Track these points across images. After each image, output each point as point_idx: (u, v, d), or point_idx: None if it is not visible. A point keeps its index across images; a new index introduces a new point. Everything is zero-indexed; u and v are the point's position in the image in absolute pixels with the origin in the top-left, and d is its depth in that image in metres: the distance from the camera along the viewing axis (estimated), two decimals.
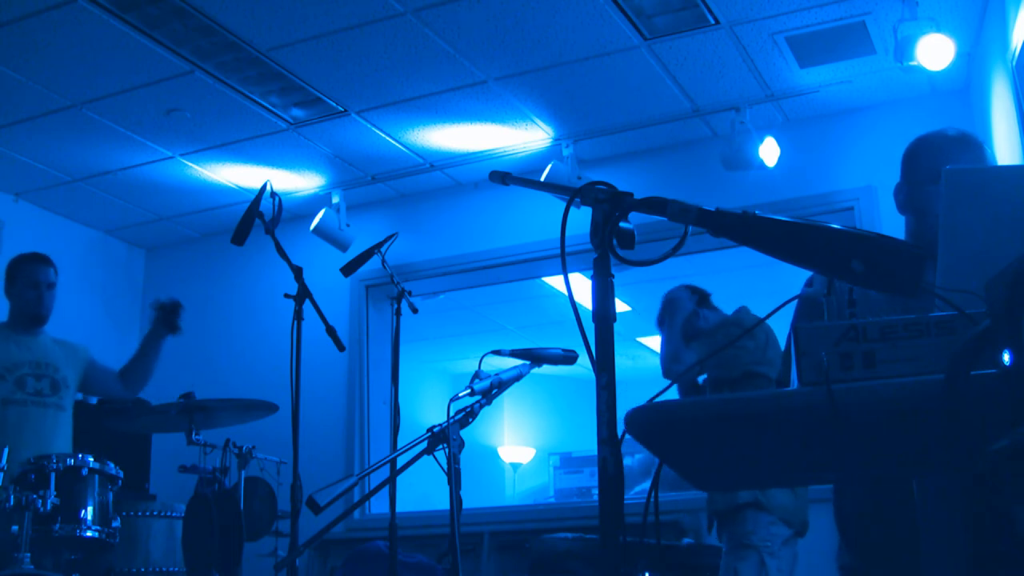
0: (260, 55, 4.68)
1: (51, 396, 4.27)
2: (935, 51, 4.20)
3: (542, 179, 5.14)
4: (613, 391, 1.35)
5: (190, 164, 5.80)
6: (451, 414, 2.84)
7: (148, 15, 4.32)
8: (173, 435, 4.12)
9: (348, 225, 6.09)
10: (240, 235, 3.66)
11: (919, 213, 2.26)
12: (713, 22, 4.46)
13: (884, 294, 1.32)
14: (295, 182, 6.08)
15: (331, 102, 5.15)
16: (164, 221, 6.65)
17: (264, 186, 3.71)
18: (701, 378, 3.71)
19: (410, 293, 4.00)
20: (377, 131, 5.48)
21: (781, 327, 1.51)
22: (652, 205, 1.41)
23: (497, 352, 3.08)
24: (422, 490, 4.64)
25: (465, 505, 2.88)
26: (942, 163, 2.21)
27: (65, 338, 4.46)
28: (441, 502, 3.09)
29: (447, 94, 5.08)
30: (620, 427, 1.35)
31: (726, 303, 4.10)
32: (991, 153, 2.27)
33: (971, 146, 2.26)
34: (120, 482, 3.84)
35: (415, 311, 4.01)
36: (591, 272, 1.42)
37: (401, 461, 2.86)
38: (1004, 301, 1.12)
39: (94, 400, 5.26)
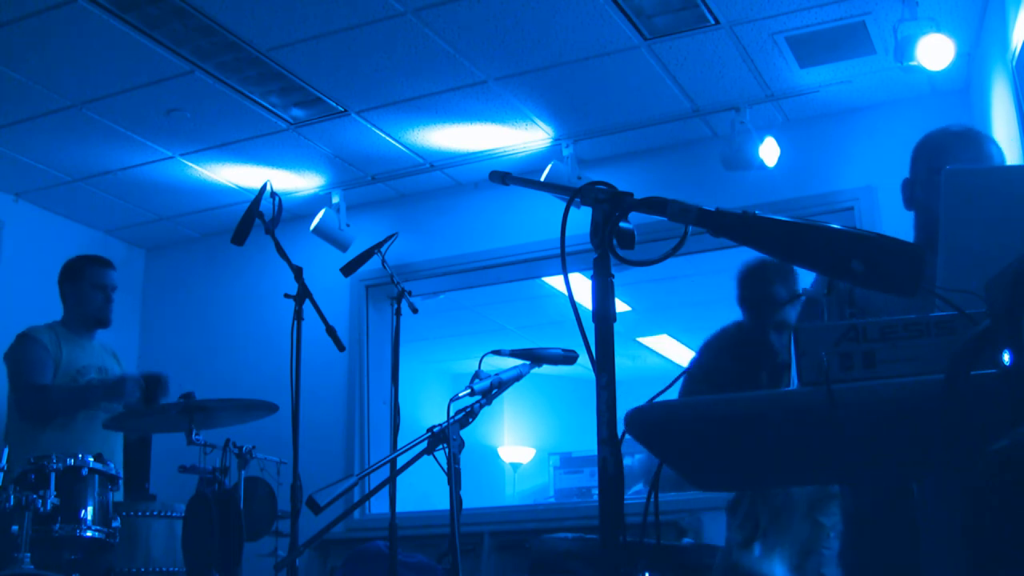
0: (260, 55, 4.68)
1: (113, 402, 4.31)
2: (935, 51, 4.20)
3: (542, 179, 5.14)
4: (613, 391, 1.35)
5: (190, 164, 5.80)
6: (451, 414, 2.84)
7: (148, 15, 4.32)
8: (173, 435, 4.12)
9: (348, 225, 6.09)
10: (240, 235, 3.66)
11: (921, 208, 2.28)
12: (713, 22, 4.46)
13: (884, 294, 1.32)
14: (295, 182, 6.08)
15: (331, 102, 5.15)
16: (164, 221, 6.65)
17: (264, 186, 3.71)
18: None
19: (410, 293, 4.00)
20: (377, 131, 5.48)
21: None
22: (652, 205, 1.41)
23: (497, 352, 3.08)
24: (422, 490, 4.64)
25: (465, 505, 2.88)
26: (941, 159, 2.24)
27: (104, 341, 4.48)
28: (441, 502, 3.09)
29: (447, 94, 5.08)
30: (620, 427, 1.35)
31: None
32: (996, 147, 2.27)
33: (972, 141, 2.27)
34: (120, 482, 3.84)
35: (415, 311, 4.01)
36: (591, 272, 1.42)
37: (401, 461, 2.86)
38: (1004, 301, 1.12)
39: None
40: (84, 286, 4.29)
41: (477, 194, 6.17)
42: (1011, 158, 4.09)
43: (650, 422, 1.35)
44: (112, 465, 3.79)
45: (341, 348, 3.62)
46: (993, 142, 2.29)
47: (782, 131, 5.31)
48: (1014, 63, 3.84)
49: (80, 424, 4.15)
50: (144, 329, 6.94)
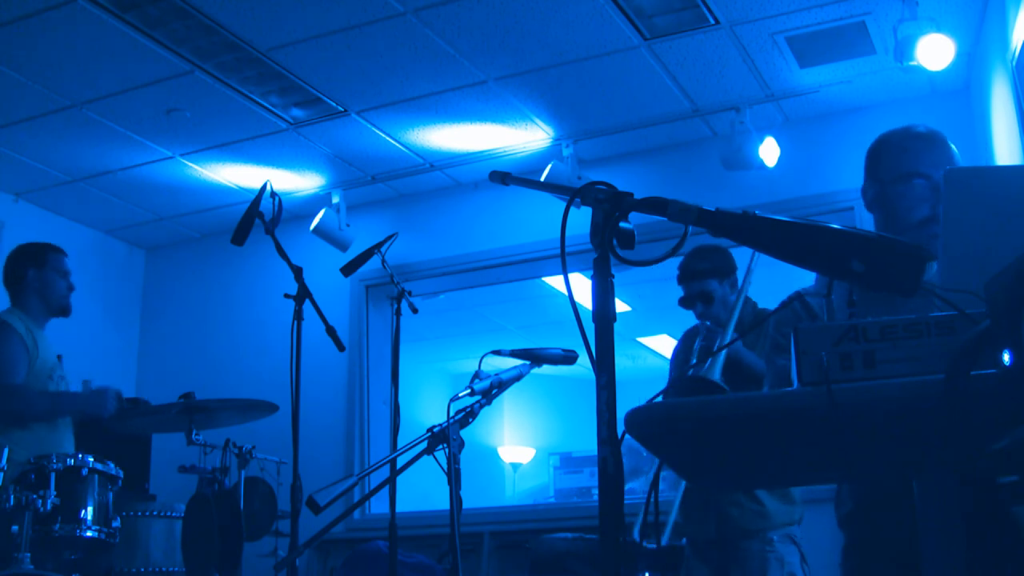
0: (260, 55, 4.68)
1: None
2: (935, 51, 4.20)
3: (542, 179, 5.14)
4: (613, 391, 1.35)
5: (190, 164, 5.80)
6: (451, 414, 2.84)
7: (148, 15, 4.32)
8: (173, 435, 4.12)
9: (348, 225, 6.09)
10: (240, 235, 3.66)
11: (887, 212, 2.26)
12: (713, 22, 4.46)
13: (882, 293, 1.32)
14: (295, 182, 6.08)
15: (331, 102, 5.15)
16: (164, 221, 6.65)
17: (264, 186, 3.71)
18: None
19: (410, 293, 4.01)
20: (377, 131, 5.48)
21: None
22: (652, 205, 1.41)
23: (497, 352, 3.08)
24: (422, 490, 4.64)
25: (465, 505, 2.88)
26: (907, 161, 2.22)
27: None
28: (441, 502, 3.09)
29: (447, 94, 5.08)
30: (620, 427, 1.35)
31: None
32: (958, 152, 2.26)
33: (936, 144, 2.25)
34: (120, 482, 3.84)
35: (415, 311, 4.01)
36: (591, 272, 1.42)
37: (401, 461, 2.86)
38: (1004, 301, 1.12)
39: None
40: (49, 273, 4.07)
41: (477, 194, 6.17)
42: (1011, 158, 4.09)
43: (650, 422, 1.35)
44: (112, 465, 3.78)
45: (341, 348, 3.62)
46: (951, 145, 2.28)
47: (782, 131, 5.31)
48: (1014, 63, 3.84)
49: (60, 421, 4.02)
50: (144, 329, 6.94)
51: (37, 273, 4.05)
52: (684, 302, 3.91)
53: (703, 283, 3.83)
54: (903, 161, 2.24)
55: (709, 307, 3.84)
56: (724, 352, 3.25)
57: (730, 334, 3.54)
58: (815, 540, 3.69)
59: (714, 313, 3.84)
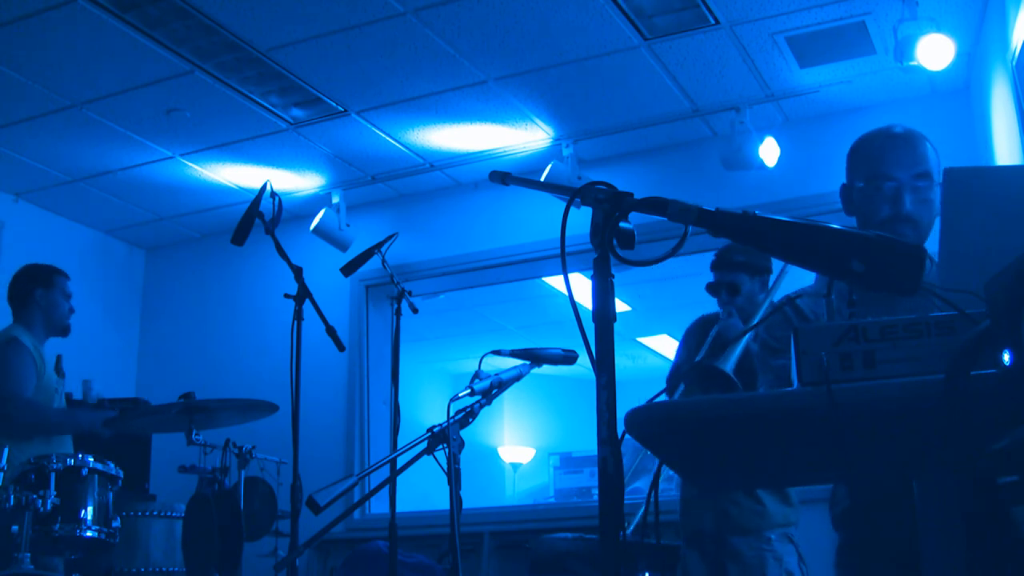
0: (260, 55, 4.68)
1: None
2: (935, 51, 4.20)
3: (542, 179, 5.14)
4: (613, 391, 1.35)
5: (190, 164, 5.80)
6: (451, 414, 2.84)
7: (148, 15, 4.32)
8: (173, 435, 4.13)
9: (348, 225, 6.10)
10: (240, 235, 3.66)
11: (860, 215, 2.27)
12: (713, 22, 4.46)
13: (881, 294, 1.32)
14: (295, 182, 6.08)
15: (331, 102, 5.15)
16: (164, 221, 6.65)
17: (264, 186, 3.71)
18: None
19: (410, 293, 4.01)
20: (377, 131, 5.48)
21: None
22: (652, 205, 1.41)
23: (497, 352, 3.08)
24: (422, 490, 4.64)
25: (465, 505, 2.88)
26: (879, 165, 2.22)
27: None
28: (441, 502, 3.09)
29: (447, 94, 5.08)
30: (620, 427, 1.35)
31: None
32: (934, 148, 2.25)
33: (911, 144, 2.24)
34: (120, 482, 3.84)
35: (415, 311, 4.02)
36: (591, 272, 1.42)
37: (401, 461, 2.86)
38: (1004, 301, 1.12)
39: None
40: (55, 293, 4.23)
41: (477, 194, 6.18)
42: (1011, 158, 4.09)
43: (650, 422, 1.34)
44: (111, 465, 3.79)
45: (341, 348, 3.62)
46: (931, 143, 2.27)
47: (782, 131, 5.31)
48: (1014, 63, 3.84)
49: (68, 437, 4.14)
50: (144, 329, 6.94)
51: (44, 293, 4.22)
52: (711, 288, 3.91)
53: (734, 275, 3.83)
54: (872, 164, 2.25)
55: (734, 298, 3.84)
56: (740, 346, 3.24)
57: (751, 332, 3.52)
58: (813, 540, 3.69)
59: (738, 305, 3.84)
